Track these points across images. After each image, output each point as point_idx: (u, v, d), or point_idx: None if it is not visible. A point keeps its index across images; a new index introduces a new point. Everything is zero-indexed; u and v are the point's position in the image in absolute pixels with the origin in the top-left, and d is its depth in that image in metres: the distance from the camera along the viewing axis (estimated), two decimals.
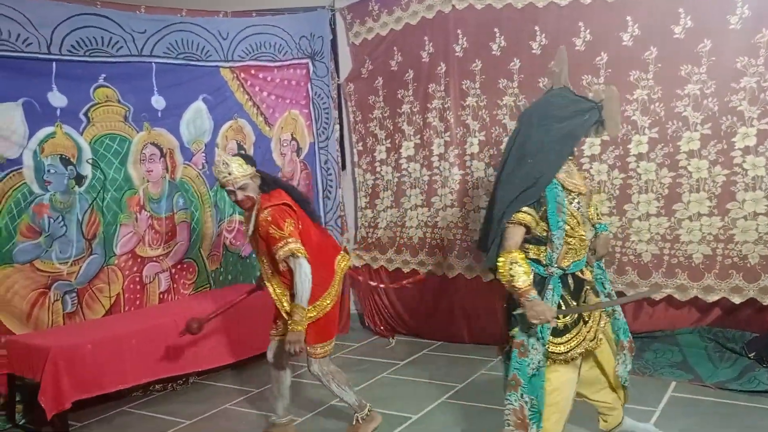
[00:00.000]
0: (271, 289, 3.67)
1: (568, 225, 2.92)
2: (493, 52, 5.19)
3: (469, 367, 4.86)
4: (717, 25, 4.33)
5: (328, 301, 3.64)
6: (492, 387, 4.46)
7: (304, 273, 3.44)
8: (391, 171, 5.85)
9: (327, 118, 6.03)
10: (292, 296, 3.51)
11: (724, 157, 4.37)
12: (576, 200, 3.00)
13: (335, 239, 3.77)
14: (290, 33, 5.77)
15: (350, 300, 6.15)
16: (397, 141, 5.78)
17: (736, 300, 4.36)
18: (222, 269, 5.49)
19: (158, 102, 5.06)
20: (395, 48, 5.72)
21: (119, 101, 4.84)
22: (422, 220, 5.68)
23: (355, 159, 6.08)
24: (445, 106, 5.44)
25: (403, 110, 5.72)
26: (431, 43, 5.50)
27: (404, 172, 5.77)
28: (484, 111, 5.28)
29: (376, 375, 4.83)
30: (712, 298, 4.43)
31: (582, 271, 3.04)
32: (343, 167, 6.16)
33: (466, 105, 5.36)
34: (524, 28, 5.03)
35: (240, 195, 3.54)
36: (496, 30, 5.16)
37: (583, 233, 3.00)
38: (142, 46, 4.93)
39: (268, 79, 5.72)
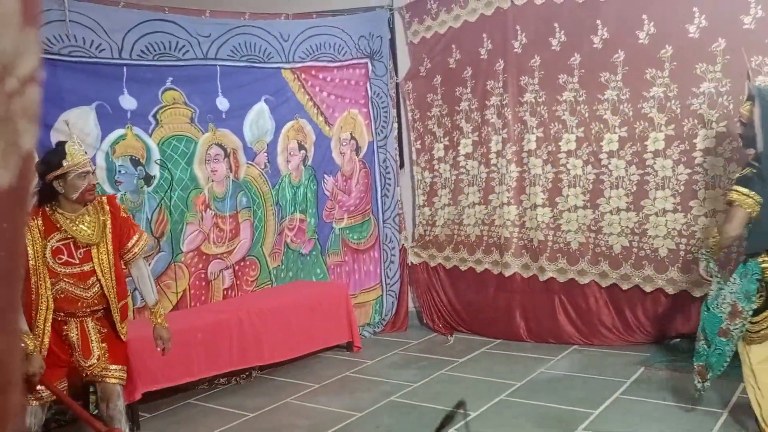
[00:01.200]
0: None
1: None
2: (553, 48, 5.14)
3: (528, 366, 4.82)
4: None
5: None
6: (551, 385, 4.43)
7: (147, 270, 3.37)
8: (449, 169, 5.85)
9: (386, 117, 6.08)
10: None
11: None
12: None
13: None
14: (349, 33, 5.84)
15: (408, 297, 6.18)
16: (455, 138, 5.79)
17: None
18: (283, 266, 5.61)
19: (222, 103, 5.21)
20: (453, 46, 5.72)
21: (186, 103, 5.00)
22: (479, 218, 5.67)
23: (414, 157, 6.11)
24: (503, 102, 5.42)
25: (461, 108, 5.72)
26: (489, 40, 5.48)
27: (462, 170, 5.76)
28: (542, 107, 5.23)
29: (434, 372, 4.85)
30: None
31: None
32: (402, 165, 6.20)
33: (524, 101, 5.32)
34: (585, 22, 4.96)
35: (94, 179, 3.22)
36: (555, 25, 5.10)
37: None
38: (207, 50, 5.08)
39: (328, 79, 5.80)
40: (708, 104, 4.50)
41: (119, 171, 4.64)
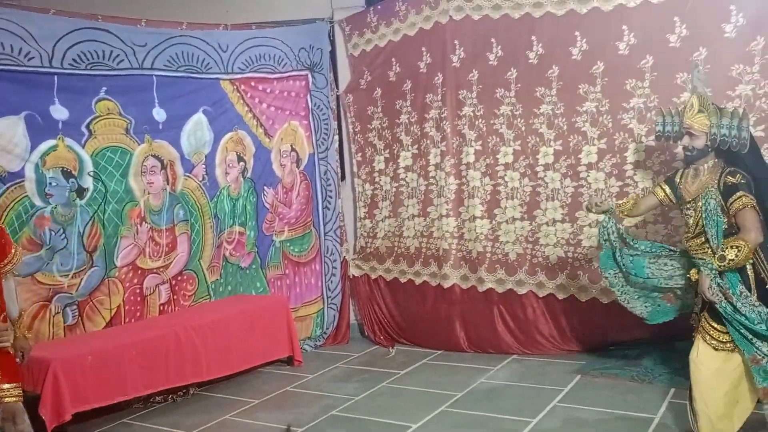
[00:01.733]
0: None
1: None
2: (490, 62, 5.24)
3: (469, 376, 4.87)
4: (712, 34, 4.37)
5: None
6: (491, 395, 4.48)
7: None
8: (389, 181, 5.88)
9: (326, 129, 6.07)
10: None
11: None
12: None
13: None
14: (289, 45, 5.81)
15: (350, 310, 6.17)
16: (395, 151, 5.82)
17: None
18: (222, 280, 5.51)
19: (159, 114, 5.10)
20: (393, 59, 5.77)
21: (120, 114, 4.88)
22: (419, 230, 5.71)
23: (355, 169, 6.12)
24: (442, 116, 5.49)
25: (401, 120, 5.76)
26: (429, 54, 5.55)
27: (402, 182, 5.80)
28: (480, 121, 5.32)
29: (376, 385, 4.84)
30: None
31: None
32: (343, 177, 6.20)
33: (462, 114, 5.40)
34: (521, 38, 5.08)
35: None
36: (493, 40, 5.21)
37: None
38: (143, 59, 4.97)
39: (268, 90, 5.76)
40: (637, 119, 4.66)
41: (50, 183, 4.48)
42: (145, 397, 4.62)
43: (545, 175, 5.06)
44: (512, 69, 5.14)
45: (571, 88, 4.89)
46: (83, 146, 4.66)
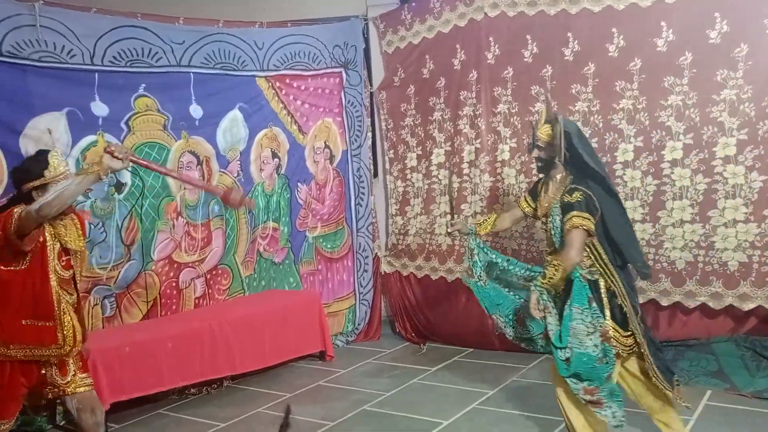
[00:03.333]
0: None
1: None
2: (525, 59, 5.20)
3: (500, 374, 4.85)
4: (754, 29, 4.28)
5: None
6: (523, 393, 4.46)
7: None
8: (421, 178, 5.88)
9: (360, 126, 6.10)
10: None
11: (760, 163, 4.31)
12: None
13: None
14: (324, 42, 5.85)
15: (381, 306, 6.18)
16: (428, 148, 5.82)
17: None
18: (256, 275, 5.58)
19: (196, 111, 5.18)
20: (427, 56, 5.76)
21: (158, 110, 4.96)
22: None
23: (387, 166, 6.14)
24: (477, 113, 5.47)
25: (434, 118, 5.76)
26: (463, 51, 5.53)
27: (434, 179, 5.80)
28: (515, 118, 5.29)
29: (407, 381, 4.86)
30: (748, 306, 4.35)
31: None
32: (375, 174, 6.22)
33: (497, 112, 5.37)
34: (557, 35, 5.03)
35: None
36: (528, 37, 5.17)
37: None
38: (181, 57, 5.05)
39: (302, 87, 5.81)
40: (675, 116, 4.58)
41: None
42: (180, 389, 4.70)
43: None
44: (547, 66, 5.10)
45: (608, 86, 4.83)
46: (122, 142, 4.74)
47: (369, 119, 6.15)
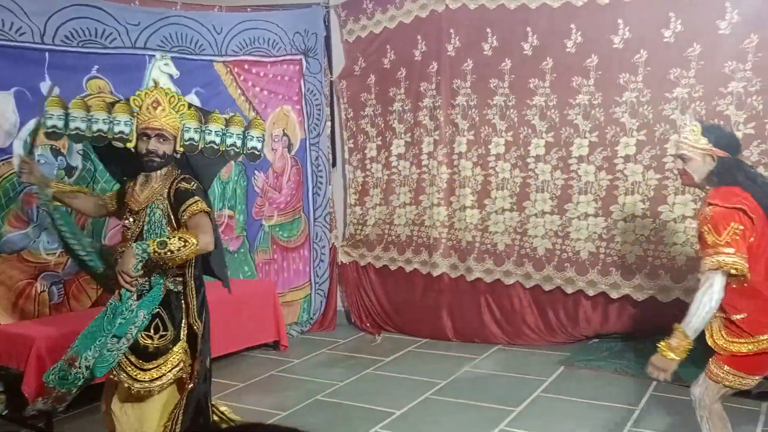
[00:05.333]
0: None
1: None
2: (485, 52, 5.23)
3: (454, 364, 4.89)
4: (706, 30, 4.37)
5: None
6: (475, 384, 4.51)
7: (710, 294, 2.64)
8: (380, 168, 5.88)
9: (319, 115, 6.05)
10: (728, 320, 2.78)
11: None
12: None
13: None
14: (284, 29, 5.78)
15: (337, 296, 6.17)
16: (387, 139, 5.82)
17: None
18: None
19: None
20: (388, 46, 5.75)
21: (112, 93, 4.83)
22: (410, 218, 5.72)
23: (346, 156, 6.11)
24: (436, 104, 5.48)
25: (394, 108, 5.75)
26: (424, 42, 5.53)
27: (394, 170, 5.80)
28: (473, 110, 5.32)
29: (361, 371, 4.86)
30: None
31: None
32: (334, 164, 6.19)
33: (456, 104, 5.39)
34: (516, 29, 5.07)
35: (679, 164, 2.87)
36: (488, 30, 5.20)
37: None
38: (136, 39, 4.92)
39: (261, 74, 5.73)
40: (629, 113, 4.67)
41: (38, 161, 4.41)
42: None
43: (536, 167, 5.08)
44: (506, 60, 5.14)
45: (565, 81, 4.89)
46: None
47: (328, 108, 6.10)
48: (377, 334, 5.76)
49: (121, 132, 2.95)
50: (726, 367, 2.74)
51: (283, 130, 5.90)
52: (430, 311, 5.59)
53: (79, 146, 4.64)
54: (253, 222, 5.76)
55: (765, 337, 2.70)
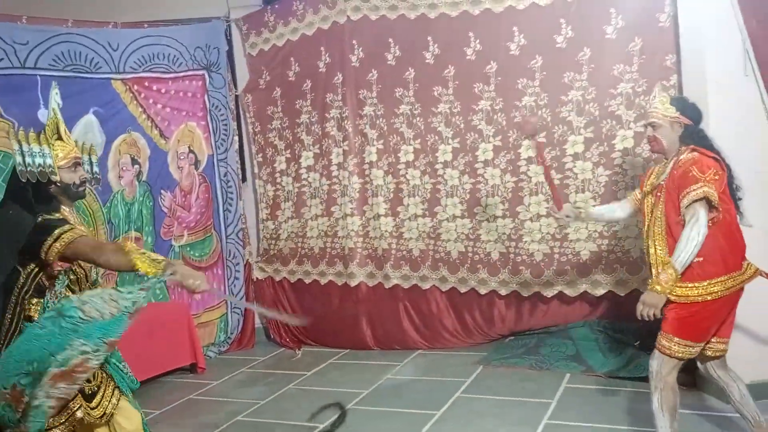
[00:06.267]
0: (651, 251, 3.06)
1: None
2: (389, 62, 5.30)
3: (375, 373, 4.90)
4: (595, 35, 4.59)
5: (715, 289, 2.89)
6: (396, 390, 4.54)
7: (697, 228, 2.83)
8: (291, 181, 5.84)
9: (225, 130, 5.95)
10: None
11: (606, 159, 4.62)
12: None
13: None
14: (184, 44, 5.67)
15: (255, 313, 6.07)
16: (296, 151, 5.79)
17: (621, 292, 4.61)
18: (119, 287, 5.28)
19: (45, 116, 4.82)
20: (292, 58, 5.73)
21: (1, 115, 4.59)
22: (322, 230, 5.71)
23: (256, 170, 6.04)
24: (343, 115, 5.50)
25: (301, 120, 5.73)
26: (328, 54, 5.55)
27: (304, 182, 5.78)
28: (381, 120, 5.37)
29: (282, 388, 4.79)
30: (600, 292, 4.68)
31: None
32: (244, 179, 6.10)
33: (363, 114, 5.43)
34: (417, 39, 5.16)
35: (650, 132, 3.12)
36: (390, 40, 5.27)
37: None
38: (26, 58, 4.72)
39: (163, 91, 5.59)
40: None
41: None
42: None
43: (444, 173, 5.17)
44: (410, 69, 5.22)
45: (467, 87, 5.02)
46: None
47: (235, 122, 6.02)
48: (297, 348, 5.70)
49: (44, 164, 2.70)
50: (675, 339, 2.90)
51: (189, 147, 5.77)
52: (349, 321, 5.59)
53: None
54: (162, 243, 5.60)
55: (714, 281, 2.88)
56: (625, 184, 4.53)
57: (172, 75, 5.62)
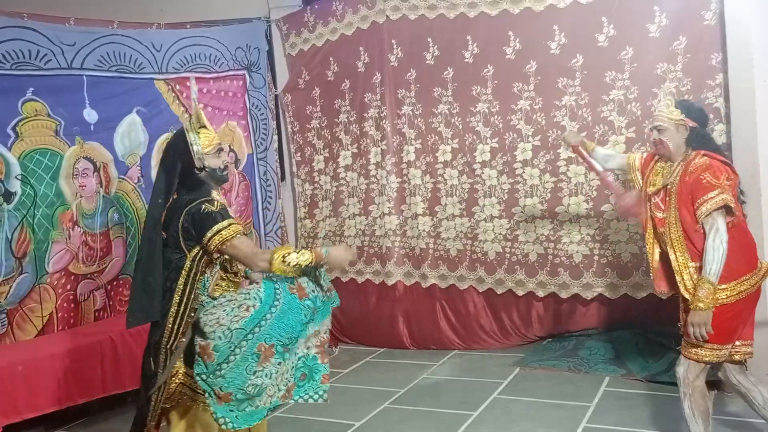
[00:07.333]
0: (672, 257, 3.03)
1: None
2: (427, 62, 5.29)
3: (411, 372, 4.91)
4: (638, 34, 4.52)
5: (742, 288, 2.92)
6: (433, 390, 4.54)
7: (719, 237, 2.83)
8: (329, 180, 5.88)
9: (265, 129, 6.03)
10: (699, 268, 2.91)
11: None
12: None
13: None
14: (226, 44, 5.75)
15: None
16: (334, 150, 5.82)
17: (664, 296, 4.51)
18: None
19: (90, 115, 4.97)
20: (331, 58, 5.77)
21: (49, 115, 4.73)
22: (360, 229, 5.73)
23: (294, 169, 6.10)
24: (382, 115, 5.51)
25: (340, 120, 5.77)
26: (367, 54, 5.57)
27: (342, 182, 5.81)
28: (419, 119, 5.37)
29: None
30: (641, 295, 4.60)
31: None
32: (282, 178, 6.16)
33: (402, 114, 5.44)
34: (456, 38, 5.15)
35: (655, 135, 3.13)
36: (429, 40, 5.26)
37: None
38: (72, 59, 4.84)
39: (204, 90, 5.68)
40: (569, 116, 4.78)
41: None
42: (80, 406, 4.49)
43: (482, 173, 5.15)
44: (449, 68, 5.21)
45: (506, 87, 4.98)
46: (10, 149, 4.50)
47: (274, 122, 6.08)
48: (334, 346, 5.74)
49: (197, 152, 2.87)
50: (704, 344, 2.90)
51: (230, 146, 5.85)
52: (386, 320, 5.61)
53: (17, 172, 4.52)
54: None
55: (741, 280, 2.90)
56: None
57: (213, 75, 5.71)
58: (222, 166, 2.96)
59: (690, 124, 3.04)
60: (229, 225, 2.80)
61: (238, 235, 2.79)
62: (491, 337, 5.31)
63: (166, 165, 2.94)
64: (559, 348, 4.97)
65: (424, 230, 5.42)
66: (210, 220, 2.78)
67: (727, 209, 2.86)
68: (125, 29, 5.18)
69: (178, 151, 2.89)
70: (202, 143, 2.87)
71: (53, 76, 4.74)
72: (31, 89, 4.62)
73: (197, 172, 2.88)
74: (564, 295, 4.89)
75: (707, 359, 2.92)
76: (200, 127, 2.92)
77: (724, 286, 2.87)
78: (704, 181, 2.89)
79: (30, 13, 4.65)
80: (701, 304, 2.83)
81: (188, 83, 5.54)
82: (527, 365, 4.80)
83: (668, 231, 3.04)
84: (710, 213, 2.85)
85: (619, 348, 4.66)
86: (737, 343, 2.98)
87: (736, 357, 3.00)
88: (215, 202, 2.85)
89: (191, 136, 2.86)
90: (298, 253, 2.74)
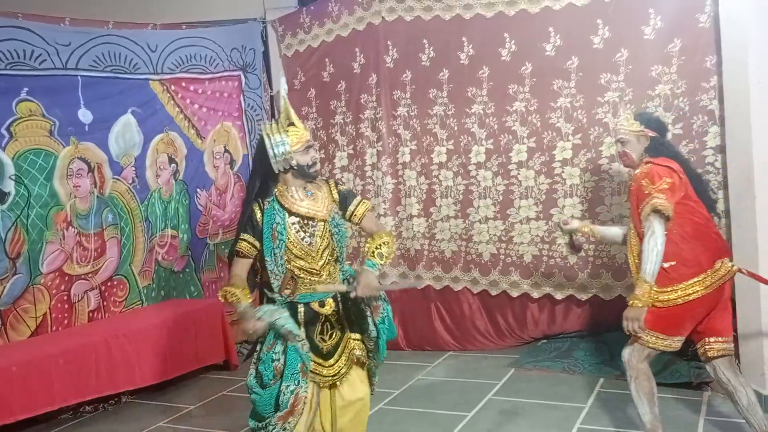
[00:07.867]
0: (630, 259, 3.21)
1: (290, 251, 2.88)
2: (423, 63, 5.30)
3: (407, 374, 4.91)
4: (633, 36, 4.53)
5: (696, 288, 3.01)
6: (428, 391, 4.54)
7: (654, 239, 2.94)
8: None
9: (260, 130, 6.01)
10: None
11: None
12: (297, 224, 2.90)
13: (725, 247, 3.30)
14: (221, 45, 5.75)
15: None
16: (330, 151, 5.82)
17: None
18: (154, 285, 5.39)
19: (85, 116, 4.95)
20: (327, 60, 5.76)
21: (44, 115, 4.71)
22: (355, 230, 5.72)
23: None
24: (377, 116, 5.51)
25: (336, 121, 5.76)
26: (362, 55, 5.56)
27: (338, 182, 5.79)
28: (414, 120, 5.37)
29: None
30: None
31: (321, 303, 2.95)
32: None
33: (397, 115, 5.44)
34: (452, 40, 5.15)
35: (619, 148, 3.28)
36: (425, 41, 5.27)
37: (310, 263, 2.91)
38: (67, 59, 4.82)
39: (200, 91, 5.68)
40: (564, 118, 4.79)
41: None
42: (74, 407, 4.48)
43: (477, 174, 5.15)
44: (444, 70, 5.21)
45: (501, 88, 4.99)
46: (4, 149, 4.48)
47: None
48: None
49: (285, 152, 2.87)
50: (647, 330, 3.02)
51: (225, 147, 5.85)
52: None
53: (11, 172, 4.51)
54: (197, 241, 5.68)
55: (689, 282, 3.02)
56: None
57: (208, 76, 5.70)
58: (310, 163, 2.94)
59: (650, 134, 3.20)
60: (239, 242, 2.98)
61: (237, 257, 3.01)
62: (486, 338, 5.32)
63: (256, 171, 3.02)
64: (553, 349, 4.98)
65: (419, 231, 5.42)
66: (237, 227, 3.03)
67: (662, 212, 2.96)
68: (120, 29, 5.16)
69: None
70: (290, 140, 2.86)
71: (48, 76, 4.72)
72: (26, 89, 4.60)
73: (282, 171, 2.89)
74: (559, 296, 4.91)
75: (651, 345, 3.05)
76: (289, 125, 2.91)
77: (674, 287, 3.00)
78: (643, 186, 3.04)
79: (25, 13, 4.63)
80: (637, 302, 2.96)
81: (183, 84, 5.54)
82: (522, 366, 4.80)
83: (629, 234, 3.25)
84: (647, 216, 2.98)
85: (613, 349, 4.64)
86: (710, 339, 3.11)
87: (710, 353, 3.12)
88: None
89: (275, 138, 2.85)
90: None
